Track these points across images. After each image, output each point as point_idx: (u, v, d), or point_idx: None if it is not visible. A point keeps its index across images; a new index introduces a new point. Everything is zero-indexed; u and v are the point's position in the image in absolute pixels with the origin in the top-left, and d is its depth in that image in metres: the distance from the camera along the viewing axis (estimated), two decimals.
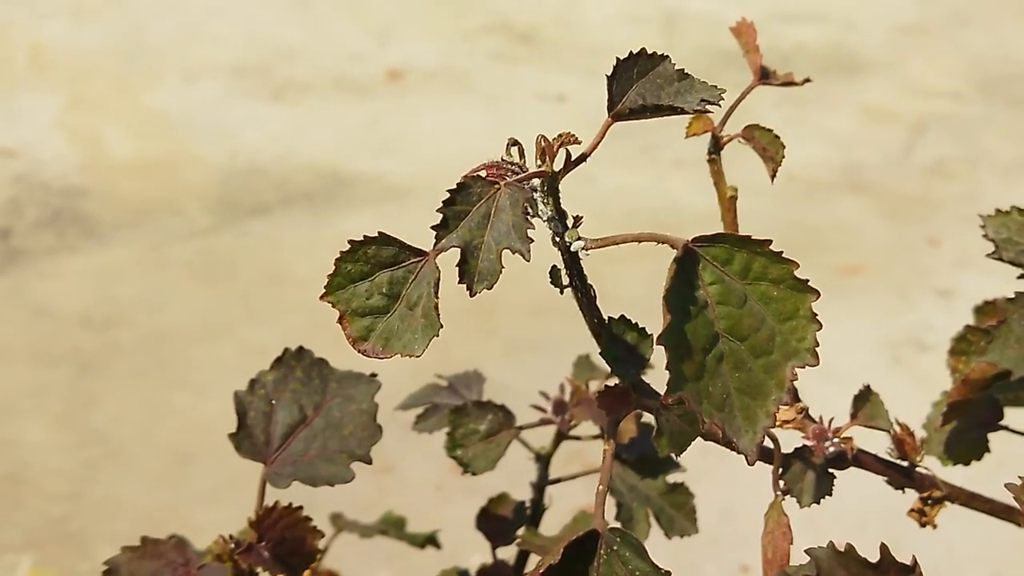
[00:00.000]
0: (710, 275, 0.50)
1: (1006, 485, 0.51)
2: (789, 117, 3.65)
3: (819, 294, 0.51)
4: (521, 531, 0.77)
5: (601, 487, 0.55)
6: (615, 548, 0.54)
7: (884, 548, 0.48)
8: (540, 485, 0.80)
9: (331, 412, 0.64)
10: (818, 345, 0.51)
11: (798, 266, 0.51)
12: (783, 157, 0.66)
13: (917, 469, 0.70)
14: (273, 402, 0.64)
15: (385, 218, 3.35)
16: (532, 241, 0.48)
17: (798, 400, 0.67)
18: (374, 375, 0.67)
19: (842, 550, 0.48)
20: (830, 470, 0.65)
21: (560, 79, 3.95)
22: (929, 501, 0.69)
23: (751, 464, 0.50)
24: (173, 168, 3.13)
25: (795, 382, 0.51)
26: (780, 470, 0.64)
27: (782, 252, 0.51)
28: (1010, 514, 0.67)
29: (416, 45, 3.85)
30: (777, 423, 0.67)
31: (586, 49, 4.05)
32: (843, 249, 2.79)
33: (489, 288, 0.48)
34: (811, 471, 0.65)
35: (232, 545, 0.61)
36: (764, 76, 0.69)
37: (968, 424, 0.75)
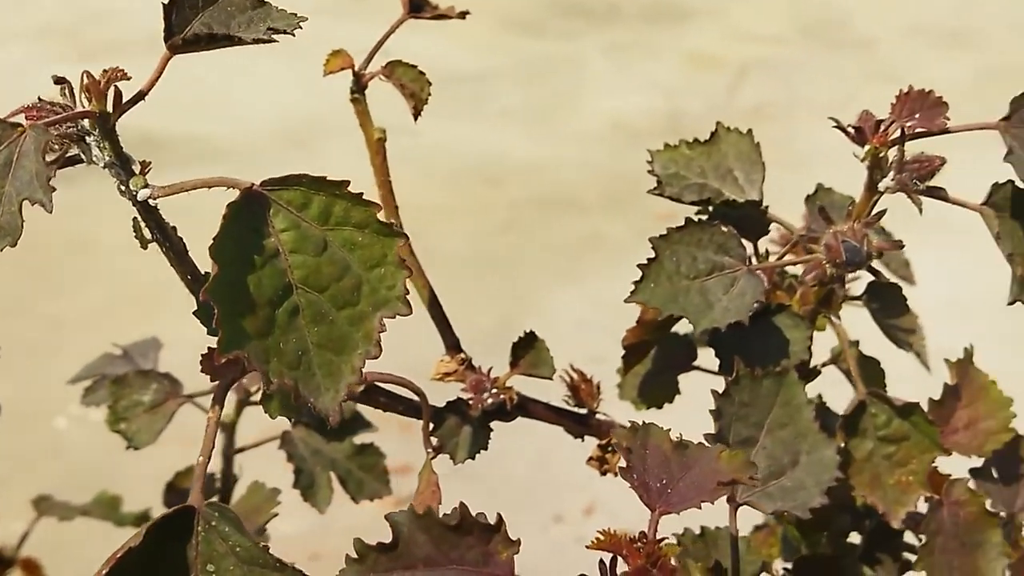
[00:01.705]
0: (283, 221, 0.46)
1: (614, 432, 0.49)
2: (616, 66, 3.65)
3: (407, 238, 0.48)
4: None
5: (201, 458, 0.51)
6: (213, 524, 0.50)
7: (463, 507, 0.44)
8: (227, 455, 0.75)
9: None
10: (408, 293, 0.47)
11: (380, 208, 0.47)
12: (428, 94, 0.62)
13: (596, 416, 0.67)
14: None
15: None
16: (55, 190, 0.43)
17: (460, 351, 0.64)
18: None
19: (421, 513, 0.45)
20: (489, 423, 0.62)
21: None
22: (609, 448, 0.67)
23: (333, 425, 0.46)
24: None
25: (383, 333, 0.47)
26: (431, 426, 0.60)
27: (362, 194, 0.47)
28: None
29: None
30: (437, 375, 0.64)
31: None
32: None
33: (12, 245, 0.43)
34: (467, 425, 0.61)
35: None
36: (415, 9, 0.64)
37: (662, 366, 0.73)
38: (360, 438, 0.74)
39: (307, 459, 0.72)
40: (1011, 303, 0.62)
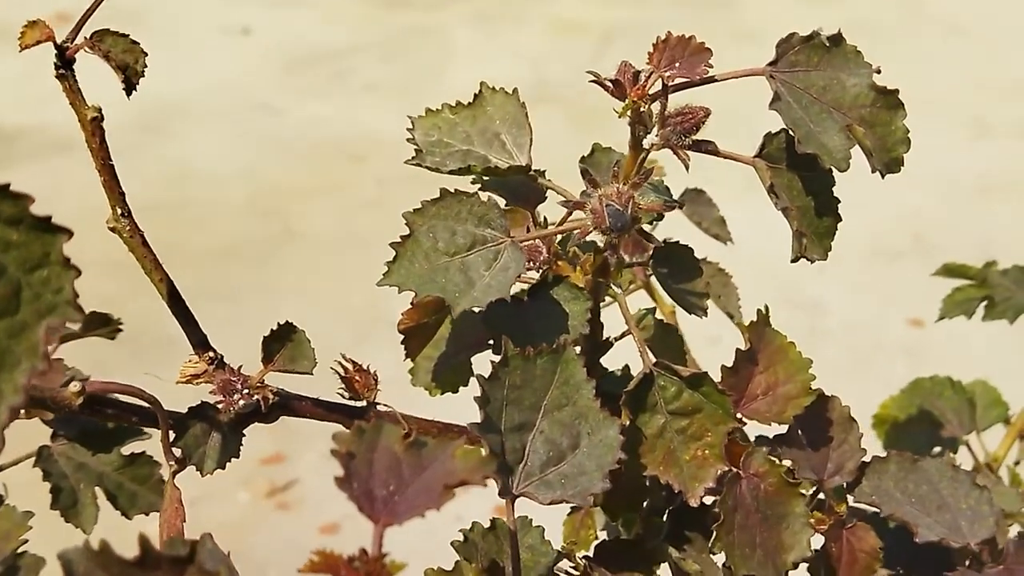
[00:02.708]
0: None
1: (334, 436, 0.43)
2: (481, 36, 3.59)
3: (70, 234, 0.41)
4: None
5: None
6: None
7: (144, 540, 0.39)
8: None
9: None
10: (78, 296, 0.41)
11: (33, 201, 0.41)
12: (144, 67, 0.56)
13: (377, 407, 0.62)
14: None
15: (52, 172, 3.09)
16: None
17: (209, 350, 0.58)
18: None
19: (98, 549, 0.39)
20: (243, 427, 0.57)
21: (244, 11, 3.74)
22: None
23: None
24: None
25: (52, 345, 0.41)
26: (172, 436, 0.54)
27: (9, 185, 0.41)
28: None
29: None
30: (184, 379, 0.58)
31: None
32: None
33: None
34: (216, 431, 0.55)
35: None
36: None
37: (457, 348, 0.68)
38: (130, 447, 0.67)
39: (69, 475, 0.65)
40: (794, 261, 0.58)
